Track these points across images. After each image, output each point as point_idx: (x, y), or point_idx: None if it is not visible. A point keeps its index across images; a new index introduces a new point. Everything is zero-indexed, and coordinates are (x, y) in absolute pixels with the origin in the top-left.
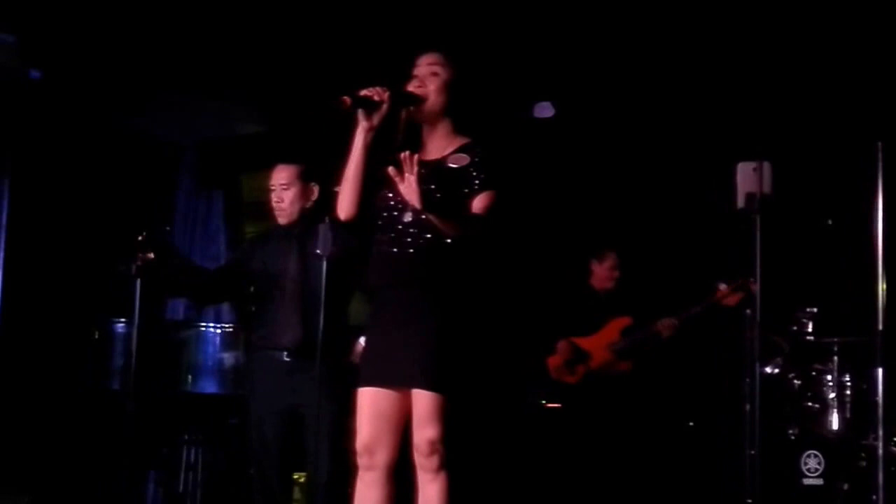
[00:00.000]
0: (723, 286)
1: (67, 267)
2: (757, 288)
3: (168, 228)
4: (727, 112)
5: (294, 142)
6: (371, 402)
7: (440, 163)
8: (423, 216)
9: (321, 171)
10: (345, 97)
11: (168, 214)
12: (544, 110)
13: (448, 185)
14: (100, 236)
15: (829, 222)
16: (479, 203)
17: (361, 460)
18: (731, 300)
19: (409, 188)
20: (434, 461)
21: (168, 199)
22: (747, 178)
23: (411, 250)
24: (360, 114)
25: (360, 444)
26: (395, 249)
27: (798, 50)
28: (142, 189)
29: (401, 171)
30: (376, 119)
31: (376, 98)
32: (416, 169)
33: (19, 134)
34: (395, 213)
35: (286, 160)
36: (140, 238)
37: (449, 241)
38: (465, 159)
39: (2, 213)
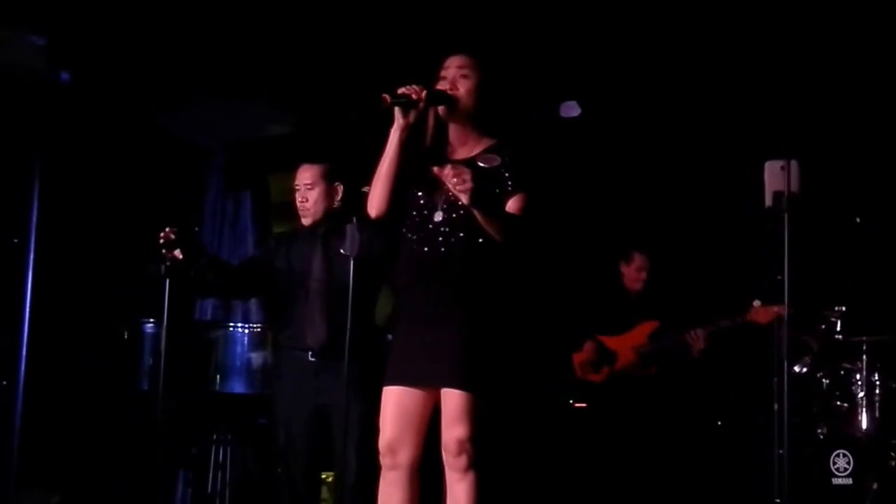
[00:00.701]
0: (757, 303)
1: (97, 267)
2: (786, 286)
3: (197, 229)
4: (755, 111)
5: (321, 142)
6: (396, 401)
7: (470, 162)
8: (462, 212)
9: (347, 171)
10: (384, 95)
11: (197, 215)
12: (570, 110)
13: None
14: (129, 237)
15: (858, 220)
16: (513, 205)
17: (384, 459)
18: (763, 318)
19: (462, 183)
20: (463, 461)
21: (197, 200)
22: (775, 176)
23: (443, 249)
24: (397, 112)
25: (384, 443)
26: (425, 249)
27: (825, 48)
28: (170, 190)
29: (434, 170)
30: (412, 117)
31: (414, 97)
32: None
33: (49, 136)
34: (426, 213)
35: (312, 160)
36: (166, 235)
37: (481, 240)
38: (496, 160)
39: (31, 214)
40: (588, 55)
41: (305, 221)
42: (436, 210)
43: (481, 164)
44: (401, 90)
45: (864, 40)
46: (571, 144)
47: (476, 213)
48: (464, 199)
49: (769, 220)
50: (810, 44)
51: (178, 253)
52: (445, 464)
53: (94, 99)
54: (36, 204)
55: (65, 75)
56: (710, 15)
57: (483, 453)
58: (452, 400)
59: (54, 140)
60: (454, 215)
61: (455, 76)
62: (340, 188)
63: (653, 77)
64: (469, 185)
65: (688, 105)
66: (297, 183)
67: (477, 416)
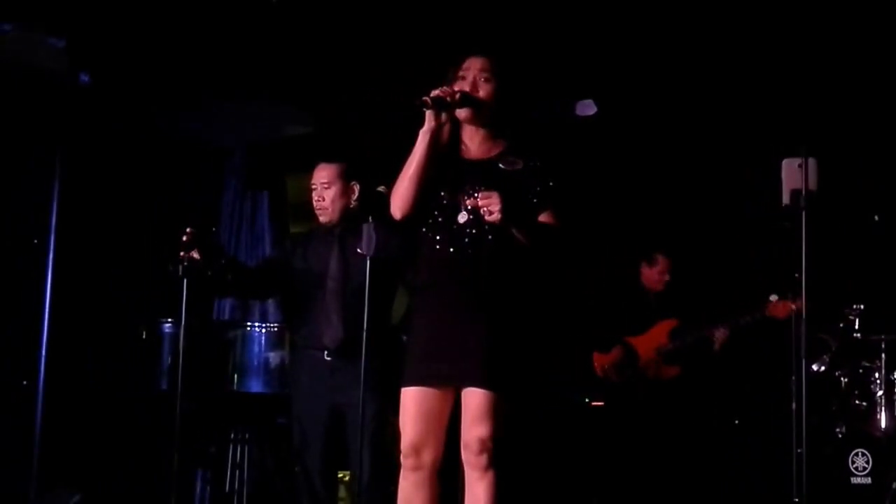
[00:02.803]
0: (774, 297)
1: (115, 268)
2: (803, 284)
3: (214, 229)
4: (772, 109)
5: (339, 143)
6: (418, 402)
7: (490, 163)
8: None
9: (363, 171)
10: (425, 98)
11: (215, 215)
12: (587, 108)
13: (502, 187)
14: (147, 237)
15: (876, 218)
16: (548, 217)
17: (408, 461)
18: (781, 312)
19: (489, 214)
20: (483, 459)
21: (215, 201)
22: (793, 174)
23: (471, 251)
24: (429, 114)
25: (407, 445)
26: (451, 249)
27: (843, 46)
28: (188, 190)
29: (451, 168)
30: (444, 119)
31: (448, 99)
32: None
33: (68, 137)
34: (449, 213)
35: (329, 159)
36: (185, 237)
37: (510, 241)
38: (517, 163)
39: (51, 215)
40: (605, 55)
41: (322, 220)
42: (459, 211)
43: (503, 167)
44: (435, 92)
45: (882, 39)
46: (585, 143)
47: (512, 230)
48: (499, 223)
49: (786, 217)
50: (828, 42)
51: (195, 253)
52: (465, 462)
53: (113, 101)
54: (56, 205)
55: (84, 77)
56: (728, 14)
57: (503, 452)
58: (475, 399)
59: (74, 141)
60: (480, 216)
61: (476, 78)
62: (357, 187)
63: (670, 76)
64: (497, 215)
65: (704, 104)
66: (313, 182)
67: (498, 416)
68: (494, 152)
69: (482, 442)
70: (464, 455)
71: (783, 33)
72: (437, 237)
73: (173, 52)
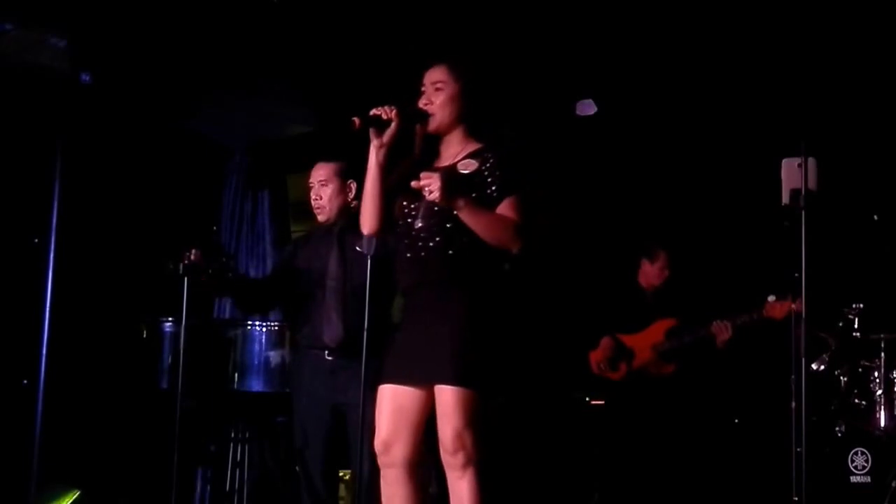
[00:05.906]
0: (772, 298)
1: (116, 267)
2: (803, 284)
3: (215, 228)
4: (772, 109)
5: (340, 142)
6: (391, 399)
7: (450, 168)
8: (438, 220)
9: (364, 170)
10: (355, 118)
11: (215, 214)
12: (587, 108)
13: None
14: (148, 236)
15: (875, 217)
16: (505, 209)
17: (381, 458)
18: (779, 313)
19: (429, 193)
20: (460, 458)
21: (215, 200)
22: (792, 173)
23: (422, 254)
24: (372, 133)
25: (378, 441)
26: (408, 254)
27: (842, 46)
28: (190, 189)
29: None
30: (387, 137)
31: (384, 117)
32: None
33: (70, 136)
34: (409, 220)
35: (328, 158)
36: (186, 237)
37: (456, 246)
38: (473, 164)
39: (52, 214)
40: (605, 55)
41: (321, 219)
42: (417, 217)
43: (462, 171)
44: (372, 111)
45: (882, 39)
46: (585, 143)
47: (462, 216)
48: (440, 201)
49: (786, 217)
50: (828, 42)
51: (195, 252)
52: (444, 464)
53: (114, 100)
54: (56, 204)
55: (85, 76)
56: (728, 13)
57: (484, 451)
58: (444, 396)
59: (75, 140)
60: (431, 221)
61: (430, 90)
62: (354, 186)
63: (669, 75)
64: (436, 193)
65: (703, 103)
66: (311, 181)
67: (468, 412)
68: (459, 157)
69: (453, 440)
70: (442, 457)
71: (782, 33)
72: (402, 242)
73: (174, 52)
